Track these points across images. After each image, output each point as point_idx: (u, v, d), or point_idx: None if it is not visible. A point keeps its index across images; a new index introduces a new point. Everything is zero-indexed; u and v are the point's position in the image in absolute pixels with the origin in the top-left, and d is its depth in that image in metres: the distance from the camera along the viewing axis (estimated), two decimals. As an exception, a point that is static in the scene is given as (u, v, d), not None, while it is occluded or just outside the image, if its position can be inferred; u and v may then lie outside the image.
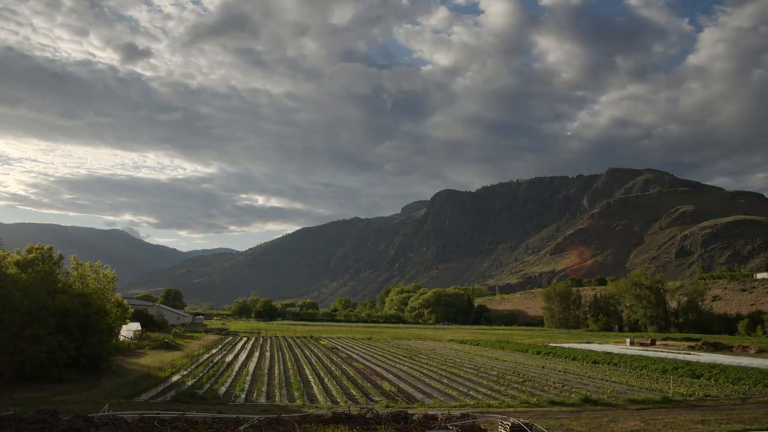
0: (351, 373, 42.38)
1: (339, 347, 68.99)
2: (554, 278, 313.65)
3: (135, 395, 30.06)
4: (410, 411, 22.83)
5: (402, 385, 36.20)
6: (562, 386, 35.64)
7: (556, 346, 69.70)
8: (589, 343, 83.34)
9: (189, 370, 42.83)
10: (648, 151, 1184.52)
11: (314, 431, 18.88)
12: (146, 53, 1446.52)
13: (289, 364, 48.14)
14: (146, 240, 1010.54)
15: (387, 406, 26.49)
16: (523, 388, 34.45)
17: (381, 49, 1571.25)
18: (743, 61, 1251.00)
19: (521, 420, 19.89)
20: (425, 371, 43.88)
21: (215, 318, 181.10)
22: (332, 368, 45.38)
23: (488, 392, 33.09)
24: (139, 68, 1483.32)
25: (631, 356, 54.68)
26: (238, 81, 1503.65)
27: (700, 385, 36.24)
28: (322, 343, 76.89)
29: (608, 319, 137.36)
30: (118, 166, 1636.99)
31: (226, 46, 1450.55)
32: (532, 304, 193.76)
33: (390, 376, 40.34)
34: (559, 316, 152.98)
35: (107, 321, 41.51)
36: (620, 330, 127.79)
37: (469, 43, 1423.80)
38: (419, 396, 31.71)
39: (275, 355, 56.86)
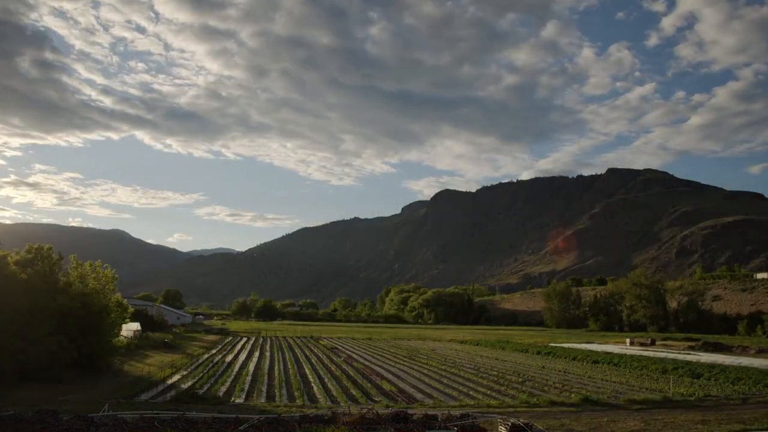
0: (351, 373, 42.38)
1: (339, 347, 68.99)
2: (554, 278, 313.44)
3: (135, 395, 30.05)
4: (410, 411, 22.82)
5: (402, 385, 36.20)
6: (562, 386, 35.64)
7: (556, 346, 69.71)
8: (589, 343, 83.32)
9: (189, 370, 42.83)
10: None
11: (314, 431, 18.89)
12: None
13: (289, 364, 48.14)
14: (146, 240, 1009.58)
15: (387, 406, 26.48)
16: (523, 388, 34.45)
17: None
18: None
19: (521, 420, 19.89)
20: (425, 371, 43.88)
21: (215, 318, 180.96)
22: (332, 368, 45.38)
23: (488, 392, 33.09)
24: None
25: (631, 356, 54.69)
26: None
27: (700, 385, 36.23)
28: (322, 343, 76.89)
29: (608, 319, 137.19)
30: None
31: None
32: (532, 304, 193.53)
33: (390, 376, 40.34)
34: (559, 316, 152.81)
35: (107, 321, 41.51)
36: (620, 330, 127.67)
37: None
38: (419, 396, 31.71)
39: (275, 355, 56.87)
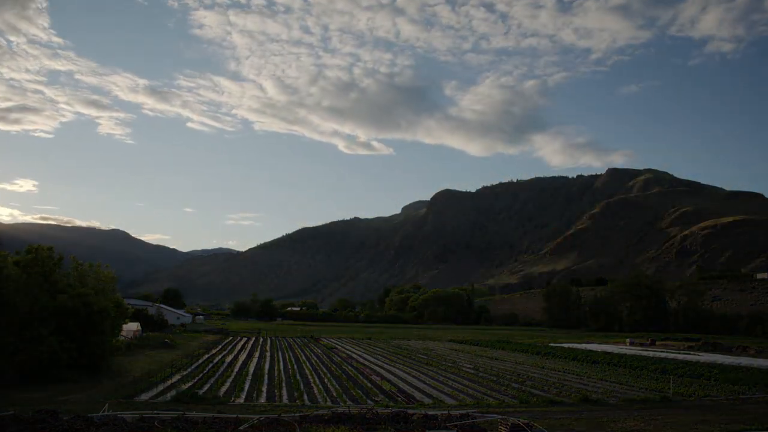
0: (351, 373, 42.39)
1: (339, 347, 69.00)
2: (554, 278, 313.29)
3: (135, 395, 30.04)
4: (410, 411, 22.83)
5: (402, 385, 36.20)
6: (562, 386, 35.65)
7: (555, 346, 69.74)
8: (588, 343, 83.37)
9: (189, 370, 42.81)
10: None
11: (314, 431, 18.90)
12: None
13: (289, 364, 48.15)
14: (146, 240, 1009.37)
15: (387, 406, 26.48)
16: (523, 388, 34.46)
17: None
18: None
19: (521, 420, 19.90)
20: (425, 371, 43.89)
21: (215, 318, 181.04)
22: (332, 368, 45.38)
23: (488, 392, 33.10)
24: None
25: (631, 356, 54.74)
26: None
27: (700, 385, 36.25)
28: (322, 343, 76.90)
29: (608, 319, 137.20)
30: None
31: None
32: (532, 304, 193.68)
33: (390, 376, 40.35)
34: (558, 316, 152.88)
35: (108, 321, 41.44)
36: (620, 330, 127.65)
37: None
38: (419, 396, 31.71)
39: (275, 355, 56.88)
